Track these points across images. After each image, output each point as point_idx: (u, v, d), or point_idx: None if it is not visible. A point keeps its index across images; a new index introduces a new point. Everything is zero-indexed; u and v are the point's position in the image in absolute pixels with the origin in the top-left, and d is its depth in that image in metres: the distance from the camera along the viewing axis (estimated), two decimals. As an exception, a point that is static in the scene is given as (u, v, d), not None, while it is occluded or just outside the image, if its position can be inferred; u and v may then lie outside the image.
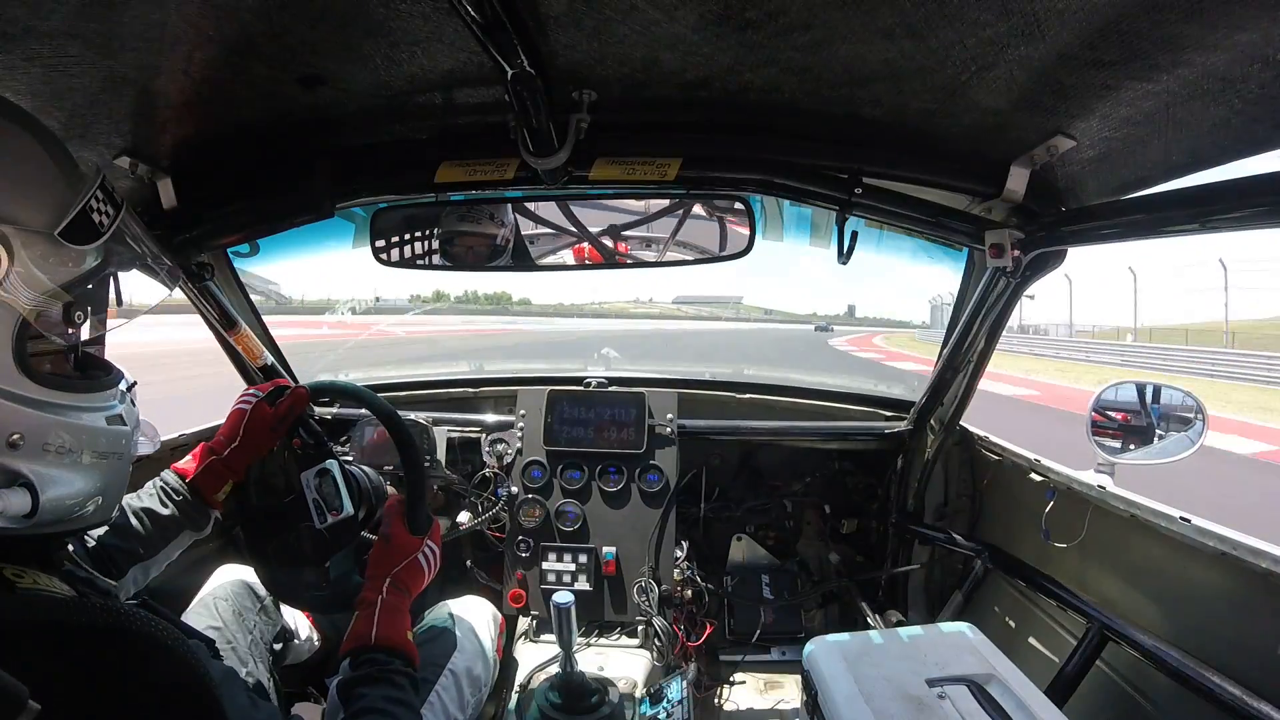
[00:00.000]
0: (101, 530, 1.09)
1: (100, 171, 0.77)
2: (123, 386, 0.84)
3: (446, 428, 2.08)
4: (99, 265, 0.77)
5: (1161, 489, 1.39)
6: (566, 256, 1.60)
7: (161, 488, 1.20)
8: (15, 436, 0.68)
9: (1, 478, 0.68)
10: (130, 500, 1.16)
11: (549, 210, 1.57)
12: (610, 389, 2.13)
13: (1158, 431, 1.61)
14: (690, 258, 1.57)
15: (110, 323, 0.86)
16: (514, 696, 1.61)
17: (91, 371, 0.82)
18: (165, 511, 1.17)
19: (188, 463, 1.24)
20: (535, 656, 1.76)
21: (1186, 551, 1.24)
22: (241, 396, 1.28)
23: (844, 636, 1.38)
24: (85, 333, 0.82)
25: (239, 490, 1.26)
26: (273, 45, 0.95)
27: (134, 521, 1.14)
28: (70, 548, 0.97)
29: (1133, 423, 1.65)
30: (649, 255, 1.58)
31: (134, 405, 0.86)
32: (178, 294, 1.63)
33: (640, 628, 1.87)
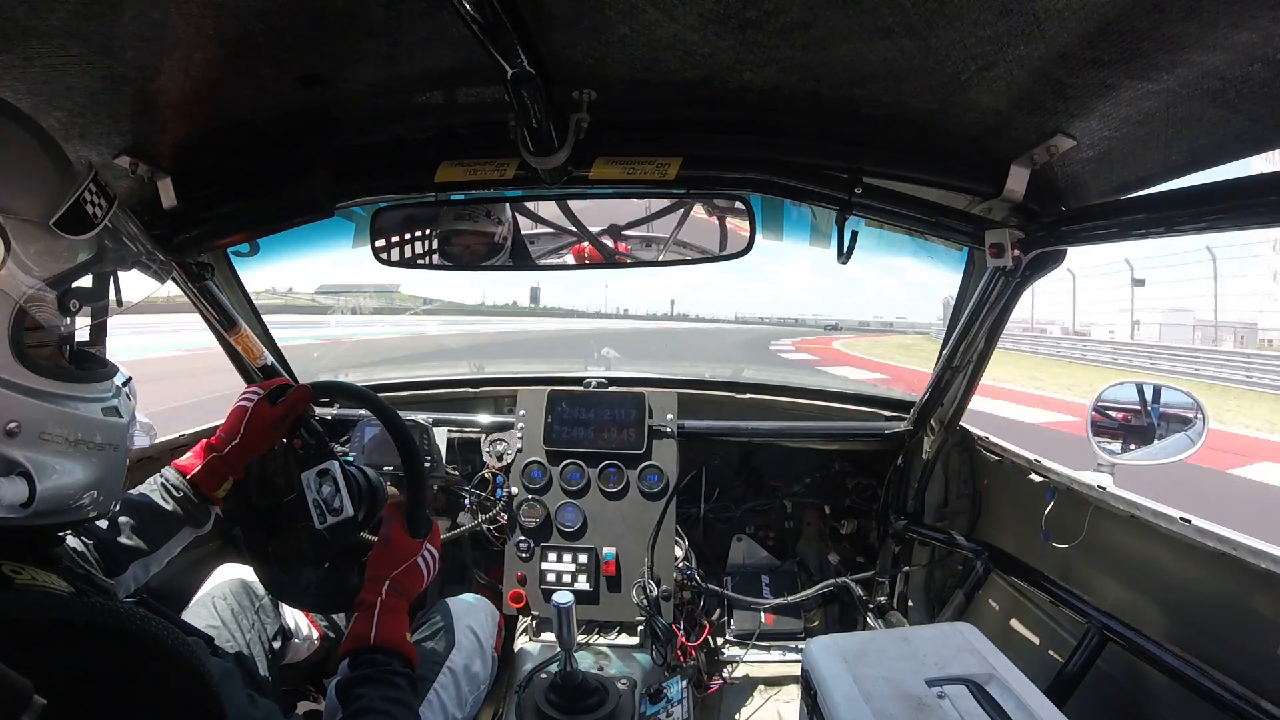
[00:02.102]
0: (102, 526, 1.09)
1: (93, 167, 0.78)
2: (119, 381, 0.85)
3: (446, 428, 2.08)
4: (93, 258, 0.77)
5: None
6: (566, 256, 1.60)
7: (162, 484, 1.20)
8: (12, 425, 0.69)
9: None
10: (131, 496, 1.17)
11: (549, 210, 1.57)
12: (610, 389, 2.13)
13: (1158, 431, 1.61)
14: (690, 257, 1.57)
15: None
16: (514, 696, 1.61)
17: (87, 364, 0.83)
18: (166, 507, 1.18)
19: (188, 459, 1.24)
20: (535, 656, 1.76)
21: (1186, 551, 1.24)
22: (243, 394, 1.29)
23: (843, 636, 1.38)
24: (81, 326, 0.83)
25: (239, 489, 1.27)
26: (273, 45, 0.95)
27: (134, 517, 1.14)
28: (69, 544, 0.98)
29: (1133, 423, 1.65)
30: (649, 254, 1.58)
31: (130, 400, 0.86)
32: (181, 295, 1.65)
33: (640, 628, 1.87)
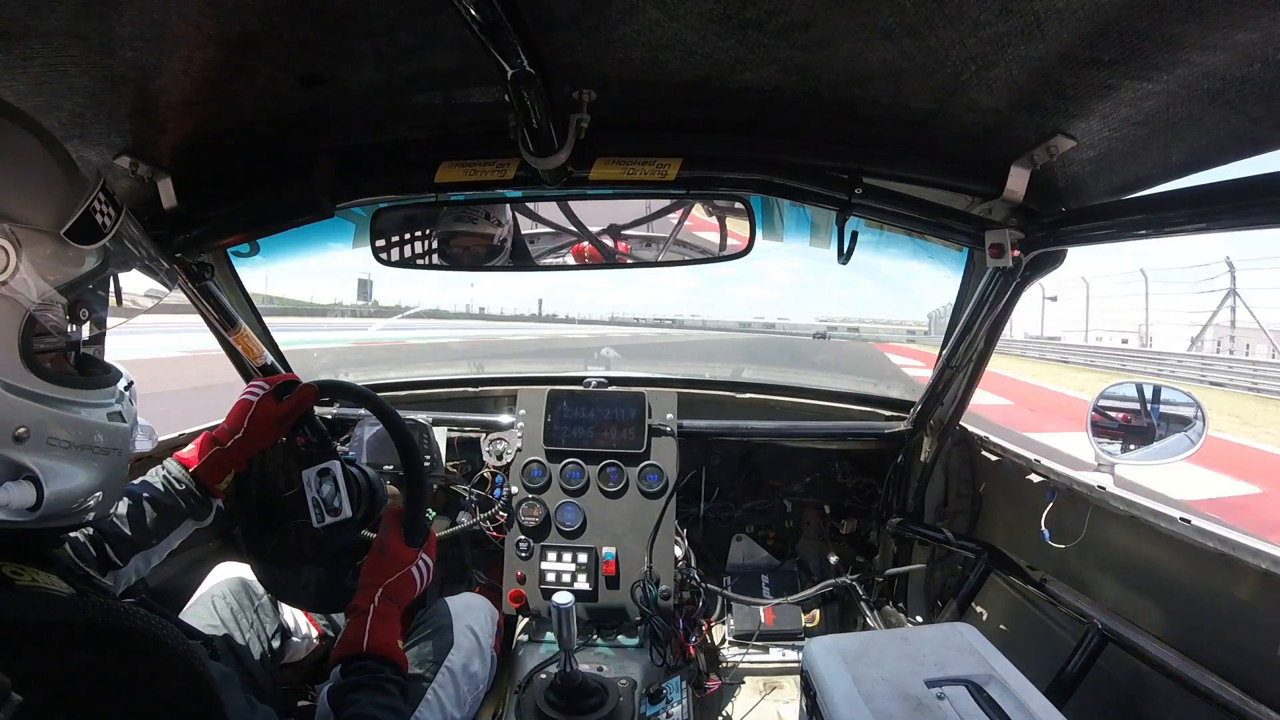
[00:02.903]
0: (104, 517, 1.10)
1: (101, 175, 0.78)
2: (121, 385, 0.85)
3: (446, 427, 2.08)
4: (100, 266, 0.78)
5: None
6: (566, 256, 1.60)
7: (164, 476, 1.21)
8: (21, 430, 0.69)
9: (7, 470, 0.69)
10: (133, 488, 1.17)
11: (549, 210, 1.57)
12: (610, 389, 2.13)
13: (1158, 432, 1.61)
14: (690, 257, 1.57)
15: (110, 321, 0.87)
16: (514, 697, 1.61)
17: (91, 369, 0.83)
18: (168, 500, 1.18)
19: (190, 452, 1.25)
20: (535, 656, 1.76)
21: (1186, 551, 1.24)
22: (248, 388, 1.29)
23: (843, 637, 1.38)
24: (86, 332, 0.83)
25: (240, 483, 1.27)
26: (273, 45, 0.95)
27: (137, 509, 1.14)
28: (72, 535, 0.98)
29: (1133, 423, 1.65)
30: (649, 255, 1.59)
31: (132, 404, 0.87)
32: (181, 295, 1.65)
33: (639, 628, 1.87)
